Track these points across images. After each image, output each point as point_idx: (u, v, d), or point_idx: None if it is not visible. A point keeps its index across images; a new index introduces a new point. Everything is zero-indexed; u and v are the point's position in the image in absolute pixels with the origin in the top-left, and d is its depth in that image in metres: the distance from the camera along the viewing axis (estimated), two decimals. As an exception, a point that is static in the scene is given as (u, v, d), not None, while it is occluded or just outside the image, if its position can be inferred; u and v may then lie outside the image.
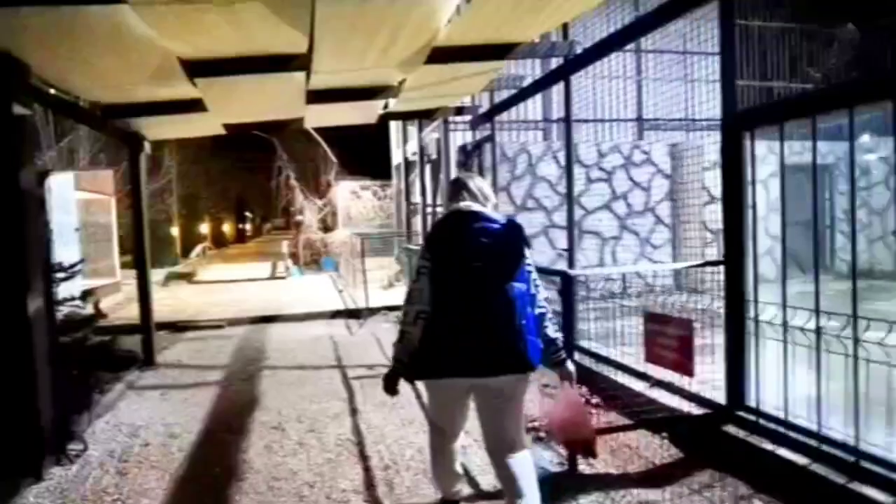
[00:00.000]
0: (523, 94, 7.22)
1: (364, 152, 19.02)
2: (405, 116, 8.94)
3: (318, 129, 20.71)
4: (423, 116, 8.20)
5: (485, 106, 9.13)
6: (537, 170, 9.58)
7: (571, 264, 6.22)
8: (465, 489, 3.29)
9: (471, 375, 2.60)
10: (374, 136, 17.96)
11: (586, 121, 10.27)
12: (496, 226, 2.61)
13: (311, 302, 11.18)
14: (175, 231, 22.76)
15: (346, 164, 20.31)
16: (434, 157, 14.34)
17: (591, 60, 5.79)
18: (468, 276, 2.53)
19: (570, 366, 2.83)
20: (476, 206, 2.69)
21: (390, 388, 2.77)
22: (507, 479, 2.64)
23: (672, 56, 10.82)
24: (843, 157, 11.07)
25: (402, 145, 14.46)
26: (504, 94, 8.90)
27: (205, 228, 31.40)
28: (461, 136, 10.39)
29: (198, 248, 16.96)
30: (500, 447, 2.67)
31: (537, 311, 2.66)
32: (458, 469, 3.07)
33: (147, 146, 7.25)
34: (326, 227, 19.60)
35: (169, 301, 11.95)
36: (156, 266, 20.37)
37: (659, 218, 10.26)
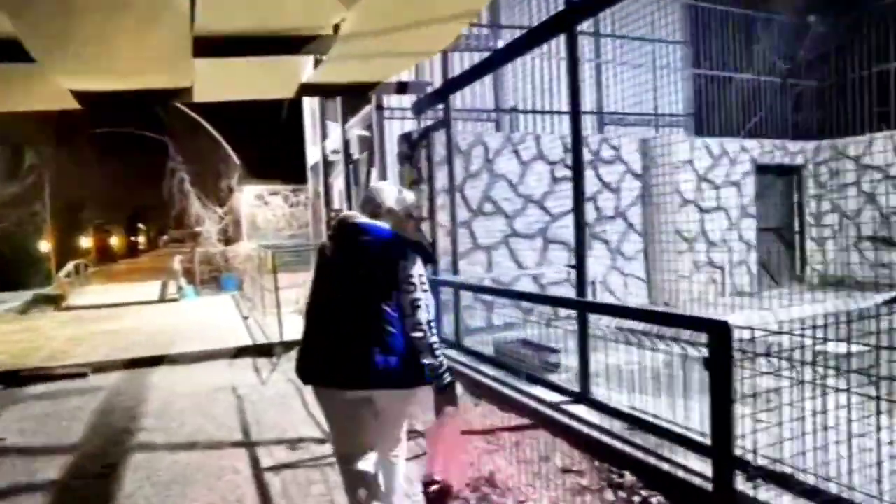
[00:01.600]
0: (495, 61, 5.45)
1: (273, 152, 16.71)
2: (333, 91, 6.97)
3: (219, 127, 18.20)
4: (357, 92, 6.30)
5: (437, 82, 7.33)
6: (495, 166, 7.84)
7: (581, 282, 4.48)
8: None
9: (325, 385, 2.59)
10: (284, 133, 15.73)
11: (547, 112, 8.72)
12: (370, 238, 2.55)
13: (208, 334, 8.88)
14: (46, 246, 19.34)
15: (252, 167, 17.88)
16: (357, 156, 12.36)
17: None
18: (331, 284, 2.61)
19: (456, 390, 2.53)
20: (359, 217, 2.64)
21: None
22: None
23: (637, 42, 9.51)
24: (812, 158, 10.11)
25: (321, 142, 12.37)
26: (458, 69, 7.23)
27: (87, 242, 27.58)
28: (398, 127, 8.51)
29: (69, 266, 14.01)
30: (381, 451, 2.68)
31: (412, 334, 2.44)
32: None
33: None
34: (228, 239, 17.05)
35: (20, 336, 9.25)
36: (19, 288, 17.15)
37: (630, 224, 8.81)
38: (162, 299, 13.31)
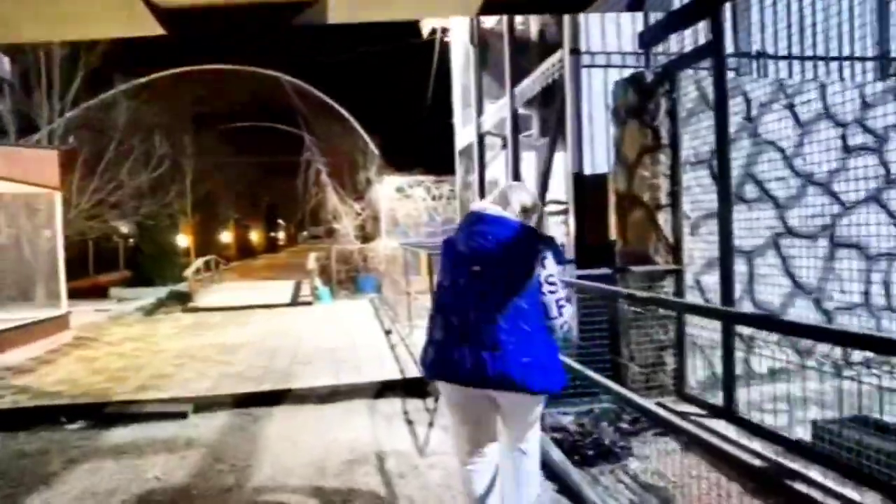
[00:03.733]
0: None
1: (416, 139, 14.90)
2: (531, 6, 4.65)
3: (355, 112, 16.69)
4: (565, 7, 4.00)
5: None
6: (761, 127, 5.16)
7: None
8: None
9: (457, 382, 2.50)
10: (429, 116, 13.80)
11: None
12: (503, 229, 2.49)
13: (344, 354, 6.93)
14: (184, 240, 18.88)
15: (392, 156, 16.20)
16: (532, 133, 10.01)
17: None
18: (461, 277, 2.52)
19: None
20: (491, 209, 2.56)
21: None
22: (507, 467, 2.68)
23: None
24: None
25: (476, 118, 10.18)
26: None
27: (227, 237, 27.63)
28: (600, 85, 6.08)
29: (198, 262, 12.97)
30: (507, 446, 2.67)
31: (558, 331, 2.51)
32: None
33: None
34: (366, 236, 15.42)
35: (128, 347, 7.84)
36: (156, 284, 16.63)
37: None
38: (294, 301, 11.78)
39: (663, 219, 4.63)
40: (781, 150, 5.27)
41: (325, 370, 6.14)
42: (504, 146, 11.09)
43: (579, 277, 4.44)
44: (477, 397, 2.52)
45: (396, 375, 5.83)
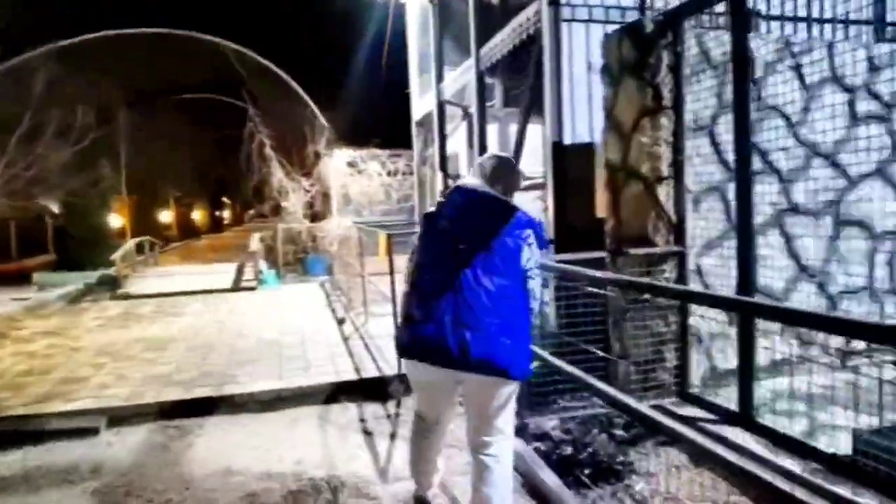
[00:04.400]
0: None
1: (369, 111, 13.96)
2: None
3: (303, 83, 15.62)
4: None
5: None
6: (764, 91, 4.54)
7: None
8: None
9: (435, 363, 2.45)
10: (383, 87, 12.86)
11: None
12: (487, 206, 2.49)
13: (289, 348, 6.11)
14: (118, 220, 17.45)
15: (344, 131, 15.19)
16: (493, 102, 9.30)
17: None
18: (445, 256, 2.47)
19: None
20: (473, 182, 2.57)
21: None
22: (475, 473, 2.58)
23: None
24: None
25: (436, 85, 9.34)
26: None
27: (167, 217, 26.03)
28: (582, 41, 5.36)
29: (128, 245, 11.73)
30: (473, 443, 2.60)
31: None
32: (438, 464, 2.93)
33: None
34: (315, 215, 14.44)
35: (41, 343, 6.80)
36: (86, 268, 15.24)
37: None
38: (236, 286, 10.79)
39: (664, 193, 3.97)
40: (786, 117, 4.68)
41: (268, 370, 5.31)
42: (465, 116, 10.31)
43: (564, 262, 3.76)
44: (448, 380, 2.50)
45: (352, 375, 5.06)
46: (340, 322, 7.37)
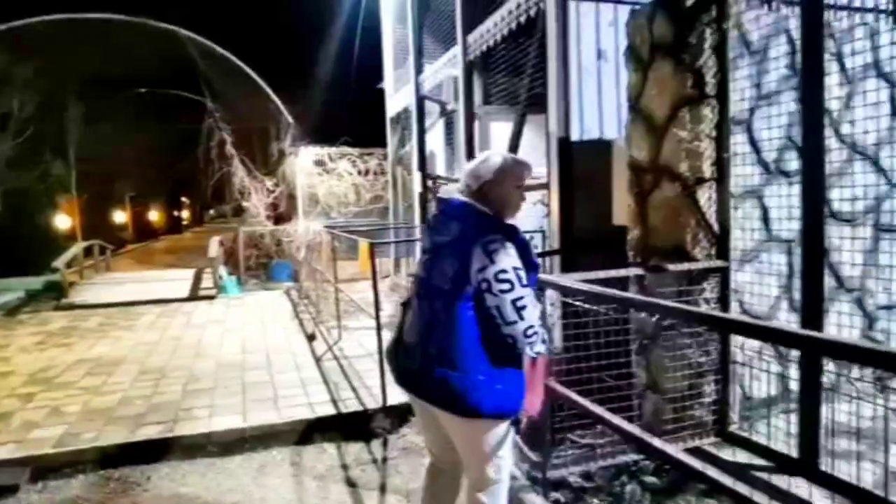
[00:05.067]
0: None
1: (338, 107, 13.15)
2: None
3: (267, 77, 14.76)
4: None
5: None
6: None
7: None
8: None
9: (414, 393, 2.20)
10: (355, 82, 12.12)
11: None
12: (456, 214, 2.15)
13: (253, 372, 5.36)
14: (65, 220, 16.22)
15: (311, 128, 14.36)
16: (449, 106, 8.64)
17: None
18: (420, 274, 2.24)
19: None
20: (452, 191, 2.42)
21: None
22: None
23: None
24: None
25: (415, 77, 8.64)
26: None
27: (122, 217, 24.66)
28: (592, 21, 4.74)
29: (75, 248, 10.65)
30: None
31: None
32: None
33: None
34: (279, 216, 13.57)
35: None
36: (30, 274, 14.05)
37: None
38: (194, 295, 9.89)
39: (705, 197, 3.38)
40: (826, 110, 4.13)
41: (229, 401, 4.55)
42: (443, 113, 9.65)
43: (588, 281, 3.13)
44: (426, 409, 2.19)
45: (328, 408, 4.34)
46: (311, 338, 6.62)
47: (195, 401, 4.55)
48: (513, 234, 2.07)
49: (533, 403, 2.38)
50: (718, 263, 3.40)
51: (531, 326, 2.00)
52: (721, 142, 3.39)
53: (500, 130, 9.06)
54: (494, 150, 2.36)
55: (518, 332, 1.98)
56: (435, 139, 9.21)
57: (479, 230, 2.04)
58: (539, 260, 2.59)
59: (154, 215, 34.34)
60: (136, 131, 22.79)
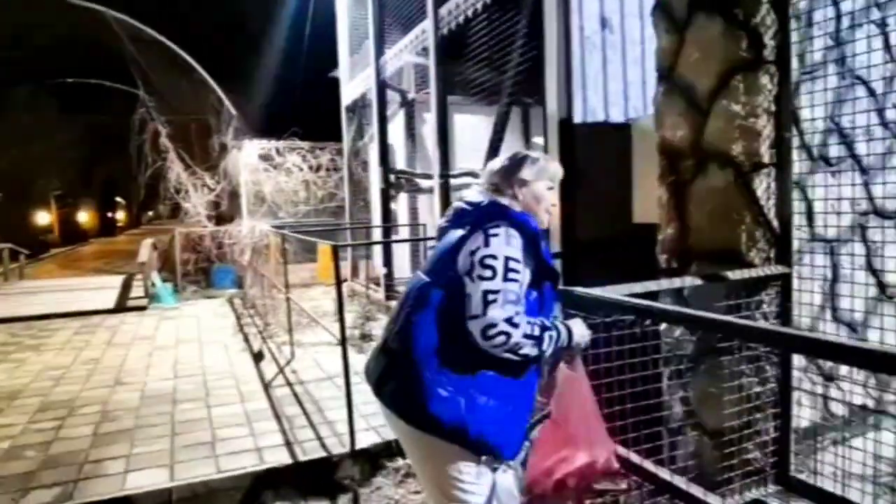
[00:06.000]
0: None
1: (285, 99, 12.12)
2: None
3: (207, 65, 13.61)
4: None
5: None
6: (848, 51, 3.36)
7: None
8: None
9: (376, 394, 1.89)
10: (305, 69, 11.14)
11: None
12: (470, 208, 1.92)
13: (186, 406, 4.42)
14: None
15: (257, 120, 13.31)
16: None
17: None
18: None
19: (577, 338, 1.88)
20: (472, 190, 2.01)
21: None
22: None
23: None
24: None
25: (375, 61, 7.77)
26: None
27: (45, 218, 22.76)
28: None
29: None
30: None
31: (483, 344, 1.67)
32: None
33: None
34: (221, 216, 12.43)
35: None
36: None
37: None
38: (121, 306, 8.73)
39: (763, 187, 2.70)
40: (870, 90, 3.52)
41: (154, 448, 3.60)
42: (403, 104, 8.83)
43: (636, 295, 2.40)
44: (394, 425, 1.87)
45: (282, 454, 3.45)
46: (258, 357, 5.68)
47: (109, 449, 3.59)
48: (523, 225, 1.80)
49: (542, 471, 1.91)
50: (780, 269, 2.71)
51: (492, 325, 1.65)
52: (781, 118, 2.71)
53: (464, 122, 8.31)
54: (521, 149, 2.21)
55: (476, 328, 1.66)
56: (394, 132, 8.40)
57: (490, 216, 1.81)
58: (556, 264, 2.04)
59: (84, 216, 32.08)
60: (59, 124, 20.96)
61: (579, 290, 2.23)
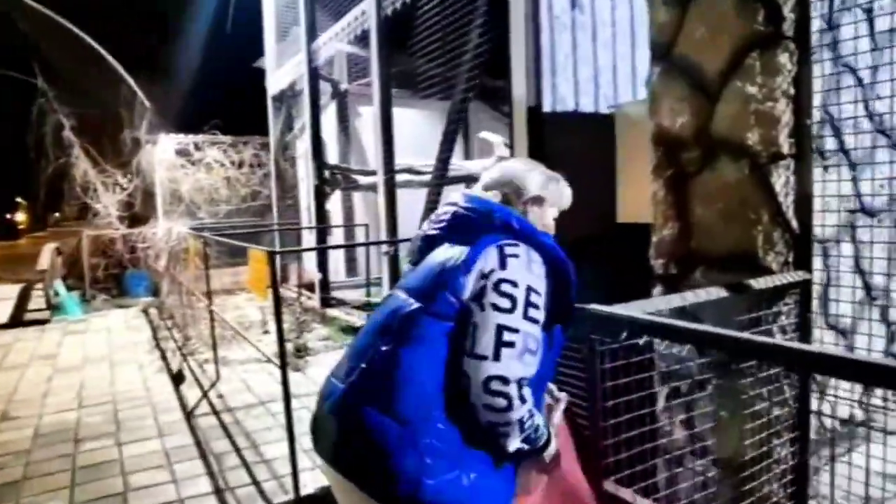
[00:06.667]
0: None
1: (205, 91, 11.20)
2: None
3: (118, 54, 12.49)
4: None
5: None
6: (841, 40, 3.09)
7: None
8: None
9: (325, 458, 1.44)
10: (225, 58, 10.34)
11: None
12: (472, 206, 1.50)
13: (90, 446, 3.72)
14: None
15: (173, 112, 12.25)
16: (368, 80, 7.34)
17: None
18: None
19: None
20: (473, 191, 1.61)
21: None
22: None
23: None
24: None
25: (307, 46, 7.13)
26: None
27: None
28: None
29: None
30: None
31: (479, 403, 1.28)
32: None
33: None
34: (135, 217, 11.37)
35: None
36: None
37: None
38: (17, 319, 7.70)
39: (782, 181, 2.36)
40: (859, 80, 3.28)
41: (55, 499, 2.92)
42: (335, 94, 8.25)
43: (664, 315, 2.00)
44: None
45: (201, 482, 2.85)
46: (178, 379, 4.97)
47: (-11, 508, 2.88)
48: (550, 251, 1.44)
49: None
50: (801, 275, 2.37)
51: (503, 379, 1.26)
52: (801, 103, 2.37)
53: (402, 117, 7.81)
54: (527, 160, 1.82)
55: (476, 372, 1.27)
56: (326, 125, 7.79)
57: (502, 229, 1.44)
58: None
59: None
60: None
61: (595, 306, 1.79)
